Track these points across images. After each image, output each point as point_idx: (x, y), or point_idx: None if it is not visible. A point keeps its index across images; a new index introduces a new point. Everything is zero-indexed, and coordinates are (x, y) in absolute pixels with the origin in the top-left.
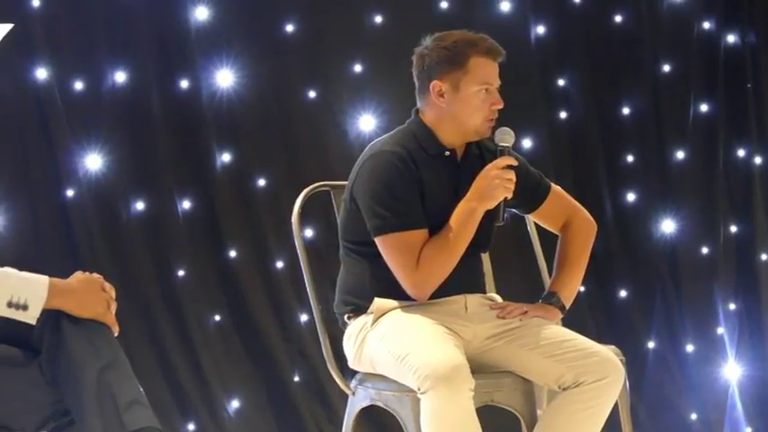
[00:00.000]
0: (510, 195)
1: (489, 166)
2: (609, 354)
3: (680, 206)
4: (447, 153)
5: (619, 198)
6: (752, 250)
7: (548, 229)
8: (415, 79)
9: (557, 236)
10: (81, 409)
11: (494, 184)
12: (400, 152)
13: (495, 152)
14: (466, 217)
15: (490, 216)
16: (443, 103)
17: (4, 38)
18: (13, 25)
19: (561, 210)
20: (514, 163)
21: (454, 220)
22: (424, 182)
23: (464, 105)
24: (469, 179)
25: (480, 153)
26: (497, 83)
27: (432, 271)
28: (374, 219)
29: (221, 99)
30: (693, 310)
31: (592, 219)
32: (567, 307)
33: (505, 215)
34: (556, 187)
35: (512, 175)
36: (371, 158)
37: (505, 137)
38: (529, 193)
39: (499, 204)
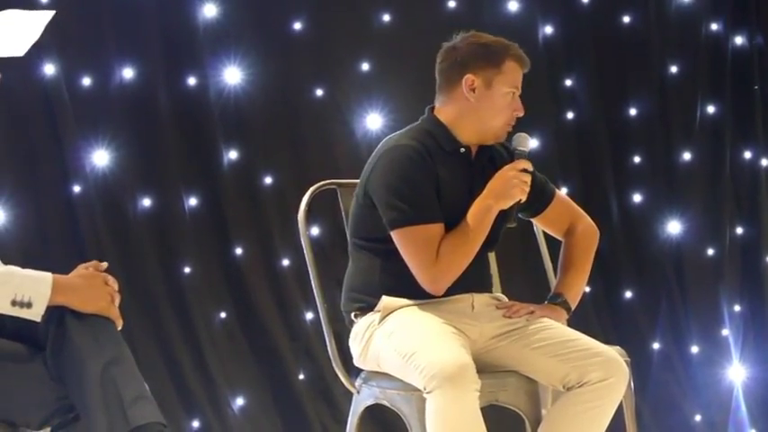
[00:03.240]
0: (524, 198)
1: (507, 167)
2: (613, 354)
3: (686, 207)
4: (462, 150)
5: (625, 199)
6: (758, 252)
7: (551, 234)
8: (441, 73)
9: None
10: (85, 405)
11: (512, 184)
12: (417, 146)
13: (506, 156)
14: (483, 214)
15: (502, 217)
16: (473, 97)
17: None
18: (54, 12)
19: (565, 215)
20: (530, 168)
21: (471, 216)
22: (440, 177)
23: (492, 104)
24: (482, 179)
25: (491, 156)
26: (520, 91)
27: (450, 266)
28: (392, 212)
29: (229, 96)
30: (698, 311)
31: (595, 225)
32: (573, 308)
33: (516, 218)
34: (560, 193)
35: (528, 179)
36: (388, 152)
37: (523, 141)
38: (534, 198)
39: (513, 205)
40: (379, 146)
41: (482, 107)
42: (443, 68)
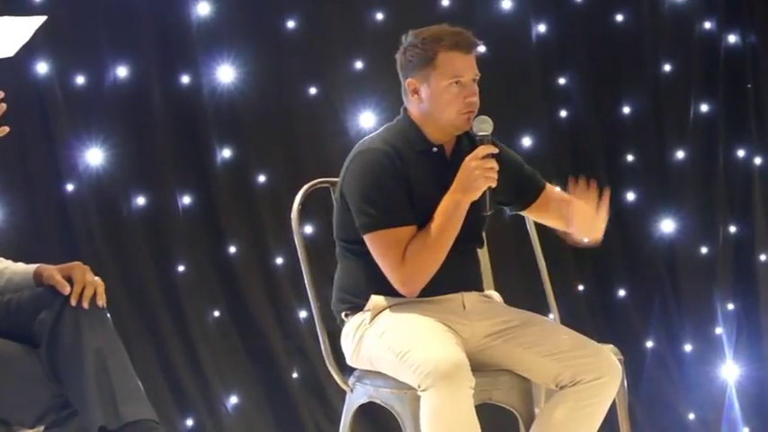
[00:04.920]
0: (494, 184)
1: (469, 157)
2: (606, 352)
3: (679, 206)
4: (434, 149)
5: (618, 197)
6: (751, 251)
7: (550, 225)
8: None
9: (557, 236)
10: (80, 398)
11: (474, 176)
12: (387, 150)
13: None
14: (451, 210)
15: (477, 208)
16: (418, 100)
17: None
18: (45, 17)
19: (559, 203)
20: (495, 151)
21: (439, 214)
22: (411, 179)
23: (436, 101)
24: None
25: (472, 147)
26: (472, 74)
27: (418, 266)
28: (362, 217)
29: (222, 95)
30: (692, 309)
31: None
32: None
33: (493, 205)
34: (551, 186)
35: (493, 164)
36: (358, 156)
37: (483, 126)
38: (521, 190)
39: (484, 194)
40: (353, 148)
41: (430, 106)
42: (398, 73)
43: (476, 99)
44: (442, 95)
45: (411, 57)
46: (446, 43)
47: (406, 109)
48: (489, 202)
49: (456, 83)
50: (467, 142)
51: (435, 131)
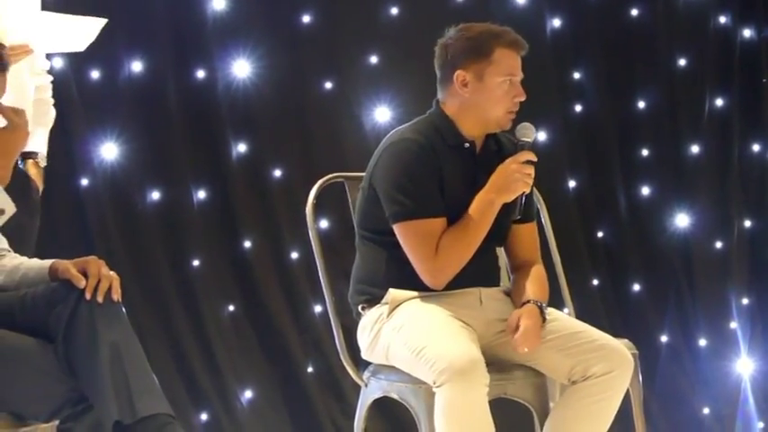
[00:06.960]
0: (528, 190)
1: (509, 159)
2: (618, 346)
3: (694, 200)
4: (466, 145)
5: (633, 192)
6: (765, 245)
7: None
8: (438, 69)
9: (571, 230)
10: (95, 392)
11: (514, 178)
12: (420, 140)
13: (512, 148)
14: (484, 209)
15: (507, 210)
16: (467, 92)
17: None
18: (106, 20)
19: (527, 244)
20: (534, 159)
21: (473, 211)
22: (443, 172)
23: (488, 96)
24: (486, 172)
25: (499, 149)
26: (520, 75)
27: (450, 261)
28: (393, 205)
29: (237, 90)
30: (706, 304)
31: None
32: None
33: (521, 210)
34: (532, 227)
35: (531, 171)
36: (392, 146)
37: (527, 132)
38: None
39: (517, 198)
40: (384, 138)
41: (479, 100)
42: (438, 65)
43: (523, 99)
44: (495, 91)
45: (464, 48)
46: (504, 40)
47: (438, 102)
48: (520, 207)
49: (509, 81)
50: (493, 142)
51: (471, 127)
